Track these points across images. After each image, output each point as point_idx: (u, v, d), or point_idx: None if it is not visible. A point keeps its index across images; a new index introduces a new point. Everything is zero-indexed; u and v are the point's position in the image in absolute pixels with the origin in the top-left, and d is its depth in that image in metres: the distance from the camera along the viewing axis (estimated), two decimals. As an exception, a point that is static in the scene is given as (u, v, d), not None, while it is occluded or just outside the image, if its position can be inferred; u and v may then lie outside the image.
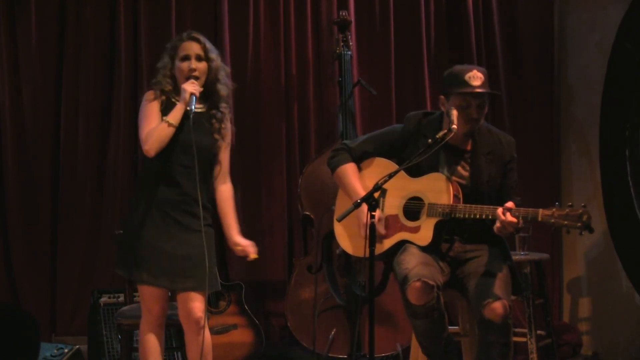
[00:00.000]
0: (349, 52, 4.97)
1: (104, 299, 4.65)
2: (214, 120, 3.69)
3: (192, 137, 3.56)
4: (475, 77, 3.56)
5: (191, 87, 3.60)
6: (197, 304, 3.60)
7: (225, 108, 3.73)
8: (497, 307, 3.41)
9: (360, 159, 3.80)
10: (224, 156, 3.77)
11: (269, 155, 5.27)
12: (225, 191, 3.78)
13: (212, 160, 3.72)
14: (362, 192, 3.51)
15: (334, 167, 3.82)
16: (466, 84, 3.55)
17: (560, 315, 5.51)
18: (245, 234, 5.16)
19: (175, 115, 3.59)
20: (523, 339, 4.78)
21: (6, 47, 5.00)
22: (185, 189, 3.60)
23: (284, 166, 5.28)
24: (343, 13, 5.03)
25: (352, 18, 5.22)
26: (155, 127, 3.58)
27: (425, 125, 3.70)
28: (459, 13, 5.47)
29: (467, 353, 3.86)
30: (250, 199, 5.25)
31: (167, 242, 3.60)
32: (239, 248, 3.72)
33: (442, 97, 3.65)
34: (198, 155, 3.59)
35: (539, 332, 4.84)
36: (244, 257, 5.14)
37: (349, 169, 3.78)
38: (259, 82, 5.27)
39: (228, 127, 3.76)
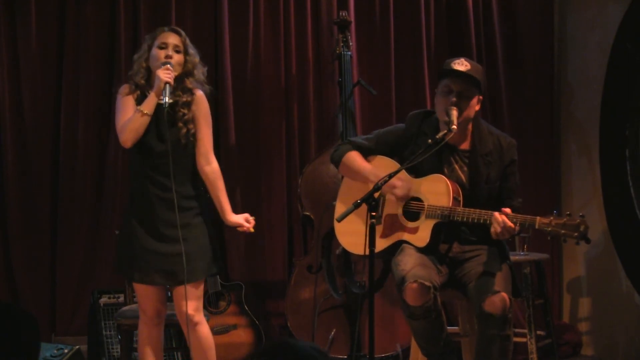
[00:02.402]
0: (349, 52, 4.97)
1: (104, 299, 4.65)
2: (178, 109, 3.62)
3: (165, 132, 3.54)
4: (461, 64, 3.54)
5: (165, 76, 3.54)
6: (187, 300, 3.59)
7: (189, 97, 3.63)
8: (497, 300, 3.41)
9: (361, 153, 3.78)
10: (201, 135, 3.67)
11: (269, 155, 5.26)
12: (210, 173, 3.69)
13: (187, 148, 3.65)
14: (377, 172, 3.47)
15: (338, 158, 3.78)
16: (449, 66, 3.55)
17: (560, 315, 5.51)
18: (246, 233, 5.20)
19: (148, 104, 3.56)
20: (523, 339, 4.78)
21: (6, 47, 5.00)
22: (166, 184, 3.58)
23: (284, 166, 5.27)
24: (343, 13, 5.03)
25: (352, 18, 5.21)
26: (130, 118, 3.56)
27: (426, 125, 3.69)
28: (459, 13, 5.47)
29: (467, 353, 3.86)
30: (250, 199, 5.25)
31: (156, 238, 3.61)
32: (238, 228, 3.75)
33: (436, 90, 3.64)
34: (172, 147, 3.56)
35: (538, 332, 4.84)
36: (243, 257, 5.20)
37: (355, 155, 3.75)
38: (259, 82, 5.26)
39: (196, 106, 3.65)
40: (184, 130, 3.62)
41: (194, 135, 3.66)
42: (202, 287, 3.71)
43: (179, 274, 3.58)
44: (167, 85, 3.54)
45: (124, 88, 3.69)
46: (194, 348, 3.66)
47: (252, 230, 3.78)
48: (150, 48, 3.66)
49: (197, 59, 3.71)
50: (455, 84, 3.52)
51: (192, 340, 3.64)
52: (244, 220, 3.77)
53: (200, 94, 3.70)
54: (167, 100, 3.52)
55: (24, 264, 5.01)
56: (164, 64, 3.58)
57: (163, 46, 3.63)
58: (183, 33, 3.70)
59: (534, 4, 5.57)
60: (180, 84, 3.65)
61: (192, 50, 3.69)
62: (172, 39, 3.65)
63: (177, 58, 3.63)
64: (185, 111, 3.63)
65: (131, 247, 3.65)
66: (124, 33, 5.07)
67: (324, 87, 5.33)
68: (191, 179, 3.71)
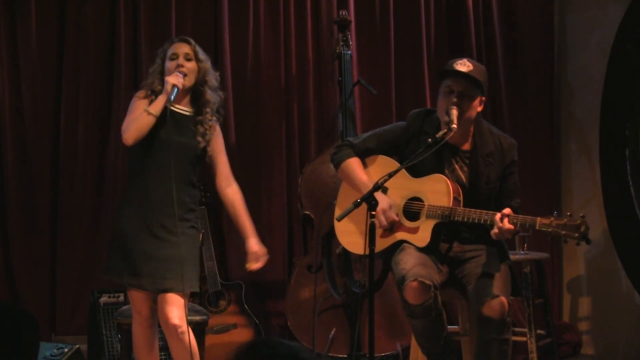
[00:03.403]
0: (349, 52, 4.97)
1: (103, 299, 4.65)
2: (199, 125, 3.70)
3: (170, 135, 3.58)
4: (462, 64, 3.53)
5: (174, 79, 3.60)
6: (172, 308, 3.57)
7: (209, 113, 3.71)
8: (496, 304, 3.41)
9: (362, 155, 3.78)
10: (221, 160, 3.80)
11: (269, 155, 5.26)
12: (231, 194, 3.83)
13: (194, 161, 3.70)
14: (370, 185, 3.48)
15: (337, 162, 3.79)
16: (450, 66, 3.55)
17: (560, 315, 5.51)
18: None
19: (155, 106, 3.59)
20: (523, 339, 4.78)
21: (6, 47, 5.00)
22: (167, 190, 3.59)
23: (284, 166, 5.27)
24: (343, 12, 5.03)
25: (352, 18, 5.21)
26: (135, 117, 3.59)
27: (426, 124, 3.68)
28: (459, 13, 5.47)
29: (467, 352, 3.86)
30: (250, 199, 5.19)
31: (149, 244, 3.61)
32: (247, 264, 3.84)
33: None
34: (179, 153, 3.59)
35: (538, 331, 4.84)
36: (244, 257, 5.16)
37: (354, 163, 3.75)
38: (259, 82, 5.26)
39: (215, 134, 3.75)
40: (202, 144, 3.69)
41: (211, 158, 3.77)
42: (188, 297, 3.70)
43: (169, 280, 3.58)
44: (175, 88, 3.59)
45: (140, 92, 3.74)
46: (178, 355, 3.65)
47: (252, 268, 3.83)
48: (163, 61, 3.72)
49: (208, 64, 3.76)
50: (457, 85, 3.52)
51: (176, 347, 3.63)
52: (256, 259, 3.83)
53: (218, 132, 3.79)
54: (172, 98, 3.57)
55: (24, 264, 5.01)
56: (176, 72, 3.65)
57: (174, 57, 3.69)
58: (192, 41, 3.74)
59: (534, 4, 5.57)
60: (200, 97, 3.71)
61: (202, 56, 3.74)
62: (182, 49, 3.70)
63: (190, 66, 3.69)
64: (207, 130, 3.69)
65: (125, 251, 3.64)
66: (124, 33, 5.07)
67: (324, 87, 5.33)
68: (191, 192, 3.73)
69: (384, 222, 3.59)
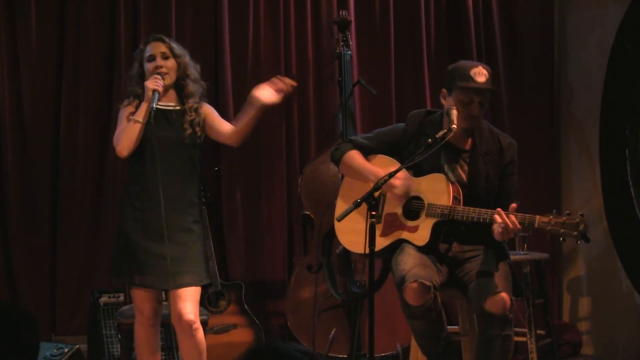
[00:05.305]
0: (349, 52, 4.97)
1: (103, 299, 4.65)
2: (186, 114, 3.72)
3: (162, 132, 3.63)
4: (480, 74, 3.55)
5: (153, 84, 3.64)
6: (187, 304, 3.59)
7: (193, 102, 3.74)
8: (498, 299, 3.41)
9: (362, 152, 3.78)
10: (220, 124, 3.79)
11: (269, 155, 5.26)
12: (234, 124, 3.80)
13: (192, 153, 3.71)
14: (378, 171, 3.51)
15: (338, 157, 3.79)
16: (471, 79, 3.54)
17: (560, 315, 5.51)
18: (246, 233, 5.22)
19: (140, 113, 3.64)
20: (523, 339, 4.77)
21: (6, 47, 5.00)
22: (167, 187, 3.61)
23: (284, 166, 5.27)
24: (343, 13, 5.03)
25: (352, 18, 5.21)
26: (123, 128, 3.65)
27: (426, 124, 3.69)
28: (459, 13, 5.47)
29: (467, 352, 3.86)
30: (250, 199, 5.25)
31: (154, 241, 3.62)
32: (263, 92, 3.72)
33: (444, 90, 3.64)
34: (176, 151, 3.64)
35: (538, 331, 4.84)
36: (243, 257, 5.19)
37: (355, 154, 3.76)
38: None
39: (203, 112, 3.76)
40: (189, 131, 3.71)
41: (211, 127, 3.77)
42: (200, 291, 3.71)
43: (182, 275, 3.59)
44: (156, 93, 3.63)
45: (126, 100, 3.78)
46: (188, 352, 3.66)
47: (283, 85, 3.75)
48: (141, 63, 3.76)
49: (186, 58, 3.79)
50: (479, 96, 3.56)
51: (188, 344, 3.64)
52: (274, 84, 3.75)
53: (205, 104, 3.82)
54: (154, 106, 3.60)
55: (24, 264, 5.00)
56: (154, 74, 3.68)
57: (151, 58, 3.73)
58: (166, 39, 3.78)
59: (534, 4, 5.57)
60: (183, 90, 3.76)
61: (179, 51, 3.77)
62: (158, 48, 3.73)
63: (169, 64, 3.72)
64: (194, 115, 3.73)
65: (130, 250, 3.65)
66: (124, 33, 5.07)
67: (324, 87, 5.33)
68: (193, 186, 3.74)
69: (398, 192, 3.59)
